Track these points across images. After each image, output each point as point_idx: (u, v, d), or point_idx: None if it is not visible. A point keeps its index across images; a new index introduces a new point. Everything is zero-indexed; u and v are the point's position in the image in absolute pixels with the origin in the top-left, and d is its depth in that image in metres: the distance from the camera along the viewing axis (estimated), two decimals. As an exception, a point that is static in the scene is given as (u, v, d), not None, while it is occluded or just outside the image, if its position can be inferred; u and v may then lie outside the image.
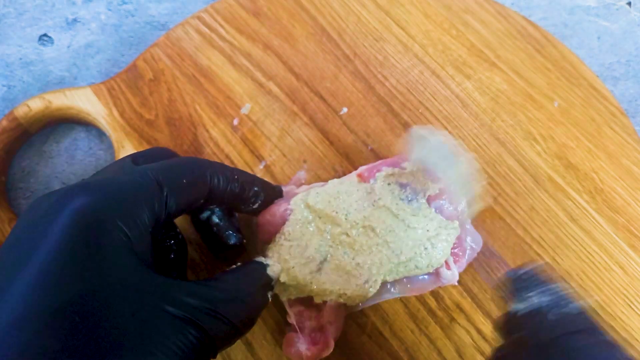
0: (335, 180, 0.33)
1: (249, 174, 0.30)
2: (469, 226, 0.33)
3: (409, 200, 0.32)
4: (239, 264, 0.28)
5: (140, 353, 0.20)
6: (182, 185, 0.26)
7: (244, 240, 0.31)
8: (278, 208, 0.31)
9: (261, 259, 0.29)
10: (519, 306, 0.23)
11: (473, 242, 0.32)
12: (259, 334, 0.33)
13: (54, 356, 0.19)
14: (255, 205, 0.31)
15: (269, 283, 0.28)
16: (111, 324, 0.20)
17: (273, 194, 0.32)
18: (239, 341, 0.33)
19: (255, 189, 0.30)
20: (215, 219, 0.30)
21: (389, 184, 0.32)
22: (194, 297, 0.23)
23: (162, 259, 0.28)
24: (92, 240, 0.21)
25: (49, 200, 0.23)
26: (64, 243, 0.21)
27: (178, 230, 0.29)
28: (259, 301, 0.27)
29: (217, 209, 0.31)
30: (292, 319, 0.31)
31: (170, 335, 0.21)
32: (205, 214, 0.30)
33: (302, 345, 0.30)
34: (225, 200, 0.29)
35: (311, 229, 0.31)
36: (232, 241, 0.30)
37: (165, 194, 0.25)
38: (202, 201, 0.28)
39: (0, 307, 0.20)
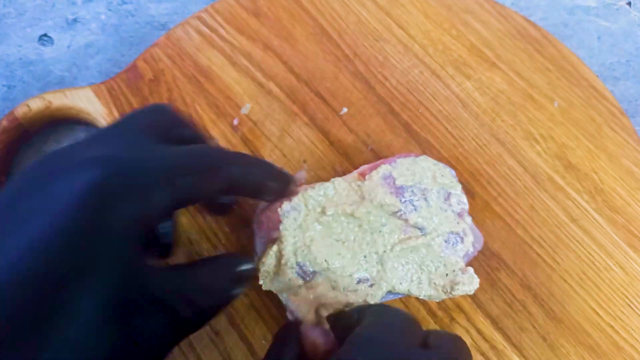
0: (339, 178, 0.33)
1: (268, 165, 0.30)
2: (470, 223, 0.33)
3: (406, 201, 0.32)
4: (221, 252, 0.30)
5: (120, 328, 0.21)
6: (202, 177, 0.25)
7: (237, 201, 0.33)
8: (279, 205, 0.31)
9: (236, 255, 0.30)
10: None
11: (475, 241, 0.32)
12: (259, 334, 0.33)
13: (32, 324, 0.19)
14: (270, 198, 0.31)
15: (240, 278, 0.28)
16: (91, 302, 0.20)
17: (287, 185, 0.31)
18: (239, 341, 0.33)
19: (274, 184, 0.30)
20: None
21: (385, 181, 0.32)
22: (170, 284, 0.24)
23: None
24: (96, 218, 0.21)
25: (62, 161, 0.23)
26: (67, 215, 0.20)
27: None
28: (228, 294, 0.28)
29: None
30: (291, 315, 0.30)
31: (151, 315, 0.22)
32: None
33: (319, 338, 0.29)
34: (243, 193, 0.29)
35: (318, 227, 0.31)
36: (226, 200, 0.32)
37: (182, 183, 0.24)
38: (220, 193, 0.28)
39: None
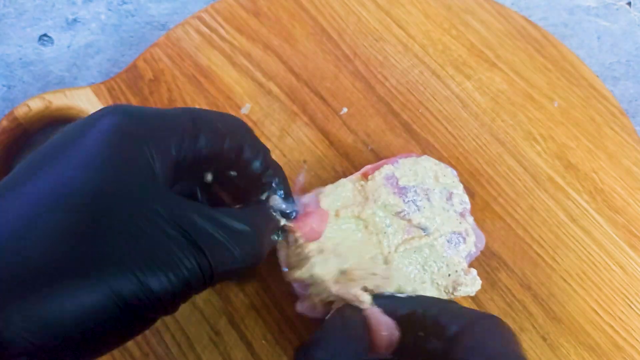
0: (343, 179, 0.32)
1: (279, 166, 0.29)
2: (472, 223, 0.33)
3: (409, 201, 0.32)
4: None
5: (140, 262, 0.21)
6: (216, 132, 0.26)
7: None
8: (322, 213, 0.30)
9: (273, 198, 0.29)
10: None
11: (477, 241, 0.32)
12: (259, 334, 0.33)
13: (66, 242, 0.20)
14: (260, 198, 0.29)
15: (276, 224, 0.28)
16: (120, 231, 0.20)
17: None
18: (239, 341, 0.33)
19: (275, 182, 0.29)
20: None
21: (388, 182, 0.32)
22: (205, 220, 0.23)
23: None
24: (122, 152, 0.22)
25: (89, 116, 0.24)
26: (97, 150, 0.22)
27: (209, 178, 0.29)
28: (266, 238, 0.27)
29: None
30: (302, 306, 0.30)
31: (173, 252, 0.21)
32: None
33: (392, 325, 0.27)
34: (246, 174, 0.28)
35: (340, 234, 0.30)
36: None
37: (196, 133, 0.25)
38: (226, 161, 0.27)
39: (29, 191, 0.21)
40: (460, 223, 0.32)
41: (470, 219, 0.33)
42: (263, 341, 0.33)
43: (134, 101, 0.39)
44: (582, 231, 0.36)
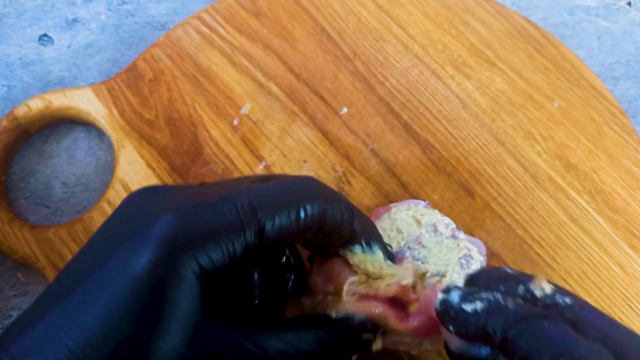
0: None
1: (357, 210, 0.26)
2: (465, 237, 0.32)
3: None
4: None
5: None
6: (283, 217, 0.23)
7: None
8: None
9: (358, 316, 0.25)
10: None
11: (480, 253, 0.32)
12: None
13: None
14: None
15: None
16: None
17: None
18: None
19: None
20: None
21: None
22: (245, 344, 0.22)
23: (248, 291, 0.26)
24: (163, 272, 0.21)
25: (141, 210, 0.23)
26: (136, 274, 0.21)
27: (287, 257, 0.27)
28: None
29: None
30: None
31: None
32: None
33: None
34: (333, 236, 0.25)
35: None
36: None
37: (259, 225, 0.22)
38: (310, 236, 0.24)
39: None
40: (457, 246, 0.32)
41: (462, 235, 0.32)
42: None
43: (134, 101, 0.39)
44: (582, 231, 0.36)
